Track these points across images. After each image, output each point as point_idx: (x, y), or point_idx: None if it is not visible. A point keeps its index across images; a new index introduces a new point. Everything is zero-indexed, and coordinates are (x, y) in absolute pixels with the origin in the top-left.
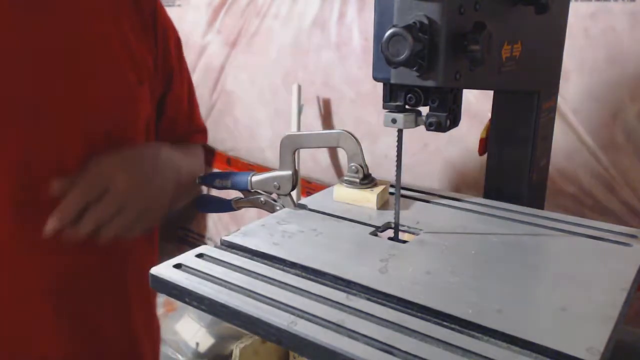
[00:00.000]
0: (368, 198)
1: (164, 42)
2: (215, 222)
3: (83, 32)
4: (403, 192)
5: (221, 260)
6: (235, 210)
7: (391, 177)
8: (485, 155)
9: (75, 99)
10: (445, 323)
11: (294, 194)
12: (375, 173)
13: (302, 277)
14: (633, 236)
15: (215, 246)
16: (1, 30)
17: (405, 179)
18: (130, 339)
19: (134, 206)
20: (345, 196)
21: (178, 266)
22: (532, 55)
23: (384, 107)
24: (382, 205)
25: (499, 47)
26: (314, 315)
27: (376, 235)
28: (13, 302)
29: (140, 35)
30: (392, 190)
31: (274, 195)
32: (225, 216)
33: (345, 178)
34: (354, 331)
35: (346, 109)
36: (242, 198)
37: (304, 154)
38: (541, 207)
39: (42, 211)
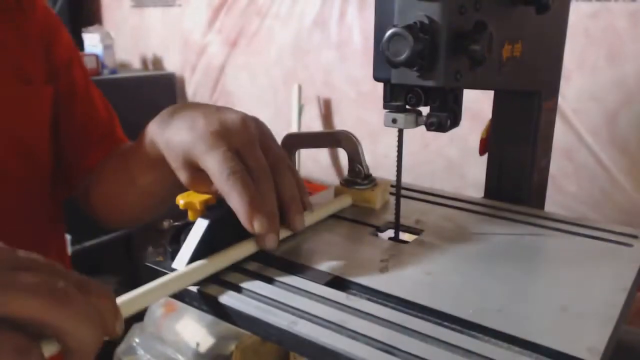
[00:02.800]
0: (368, 198)
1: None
2: None
3: None
4: (403, 192)
5: None
6: None
7: (391, 177)
8: (486, 155)
9: None
10: (445, 323)
11: None
12: (375, 173)
13: (302, 277)
14: (633, 236)
15: None
16: None
17: (406, 179)
18: None
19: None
20: (345, 196)
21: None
22: (532, 55)
23: (385, 107)
24: (383, 205)
25: (499, 47)
26: (314, 315)
27: (376, 235)
28: None
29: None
30: (392, 190)
31: None
32: None
33: (346, 178)
34: (354, 331)
35: (347, 109)
36: None
37: (304, 154)
38: (541, 207)
39: None
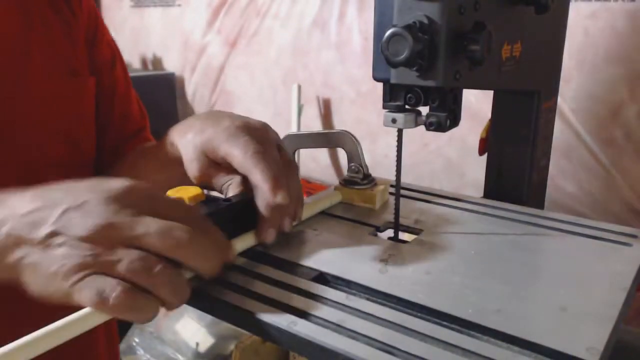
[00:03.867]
0: (368, 198)
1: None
2: None
3: None
4: (403, 192)
5: None
6: None
7: (391, 177)
8: (485, 155)
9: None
10: (445, 323)
11: None
12: (375, 173)
13: (302, 277)
14: (633, 236)
15: None
16: None
17: (406, 179)
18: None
19: None
20: (345, 196)
21: None
22: (532, 55)
23: (384, 107)
24: (382, 205)
25: (499, 47)
26: (313, 315)
27: (376, 235)
28: None
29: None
30: (392, 190)
31: None
32: None
33: (345, 178)
34: (353, 331)
35: (346, 109)
36: None
37: (304, 154)
38: (541, 207)
39: None
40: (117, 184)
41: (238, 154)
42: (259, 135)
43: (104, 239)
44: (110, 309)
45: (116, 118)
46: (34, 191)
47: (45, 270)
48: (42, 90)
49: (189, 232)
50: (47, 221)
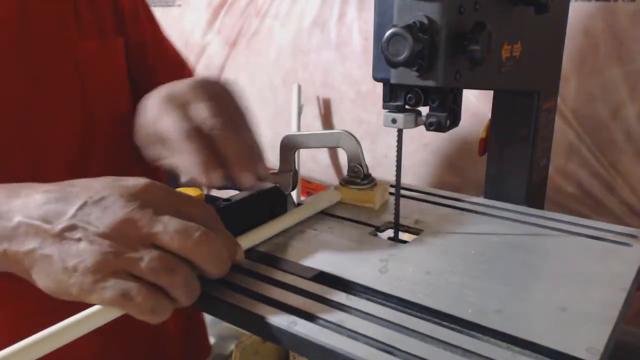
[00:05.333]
0: (368, 198)
1: None
2: None
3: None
4: (403, 192)
5: None
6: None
7: (391, 177)
8: (485, 155)
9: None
10: (445, 323)
11: (294, 194)
12: (375, 173)
13: (302, 277)
14: (633, 236)
15: None
16: None
17: (405, 179)
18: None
19: None
20: (345, 196)
21: None
22: (532, 55)
23: (384, 107)
24: (382, 205)
25: (499, 47)
26: (314, 315)
27: (376, 235)
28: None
29: None
30: (392, 190)
31: None
32: None
33: (345, 178)
34: (353, 331)
35: (346, 109)
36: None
37: (304, 154)
38: (541, 207)
39: None
40: (134, 181)
41: (169, 135)
42: (184, 102)
43: (122, 236)
44: (134, 310)
45: (150, 73)
46: (48, 185)
47: (60, 264)
48: (76, 55)
49: (206, 233)
50: (66, 214)
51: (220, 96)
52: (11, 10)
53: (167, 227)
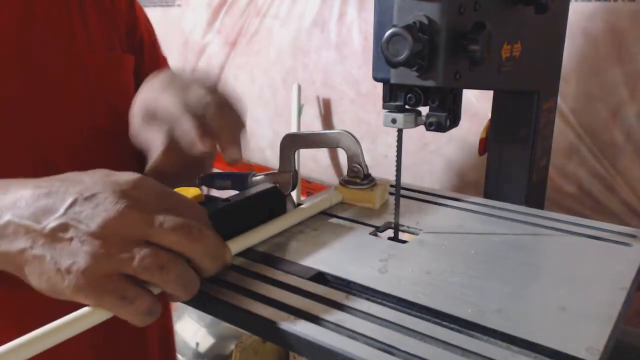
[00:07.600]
0: (368, 198)
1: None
2: None
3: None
4: (403, 192)
5: None
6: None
7: (391, 177)
8: (485, 155)
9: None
10: (444, 323)
11: (294, 194)
12: (375, 173)
13: (302, 277)
14: (633, 236)
15: None
16: None
17: (405, 179)
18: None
19: None
20: (345, 196)
21: None
22: (532, 55)
23: (384, 107)
24: (382, 205)
25: (498, 47)
26: (313, 315)
27: (376, 235)
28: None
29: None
30: (392, 190)
31: None
32: None
33: (345, 178)
34: (353, 331)
35: (346, 109)
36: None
37: (304, 154)
38: (541, 207)
39: None
40: (126, 176)
41: (169, 109)
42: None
43: (113, 234)
44: (131, 314)
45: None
46: (37, 180)
47: (53, 265)
48: (84, 64)
49: (202, 229)
50: (56, 212)
51: (214, 84)
52: (15, 12)
53: (162, 224)
